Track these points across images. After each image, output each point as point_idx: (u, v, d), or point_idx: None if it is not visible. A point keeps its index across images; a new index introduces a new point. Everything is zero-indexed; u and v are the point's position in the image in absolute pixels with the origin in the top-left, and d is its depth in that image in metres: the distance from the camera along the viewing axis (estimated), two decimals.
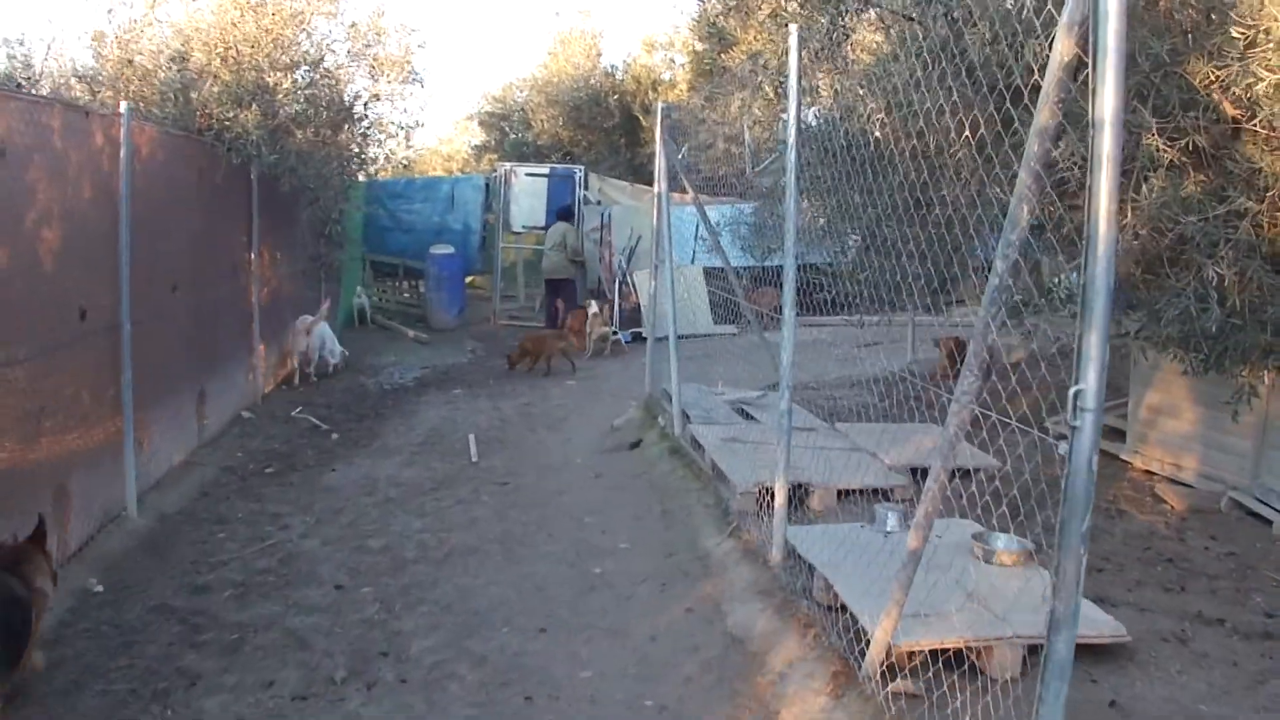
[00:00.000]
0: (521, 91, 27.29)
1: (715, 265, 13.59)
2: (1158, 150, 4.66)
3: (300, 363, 11.92)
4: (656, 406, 9.19)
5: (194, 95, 8.38)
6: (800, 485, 6.31)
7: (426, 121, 65.33)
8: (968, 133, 4.33)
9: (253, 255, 10.18)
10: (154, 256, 7.43)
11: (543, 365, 12.91)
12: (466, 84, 60.33)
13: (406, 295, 18.98)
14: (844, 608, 4.43)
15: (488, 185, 19.15)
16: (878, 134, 4.92)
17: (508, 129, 27.83)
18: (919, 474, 6.66)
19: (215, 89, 8.34)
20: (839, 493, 6.43)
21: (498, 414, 10.48)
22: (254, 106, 8.37)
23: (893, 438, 7.27)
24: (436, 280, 17.07)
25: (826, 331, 13.13)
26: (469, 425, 9.93)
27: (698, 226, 14.06)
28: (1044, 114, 2.61)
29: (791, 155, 4.94)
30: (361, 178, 16.09)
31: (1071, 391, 2.43)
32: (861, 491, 6.35)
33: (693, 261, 15.40)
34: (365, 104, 10.48)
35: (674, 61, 23.28)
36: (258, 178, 9.86)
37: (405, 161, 14.69)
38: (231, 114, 8.26)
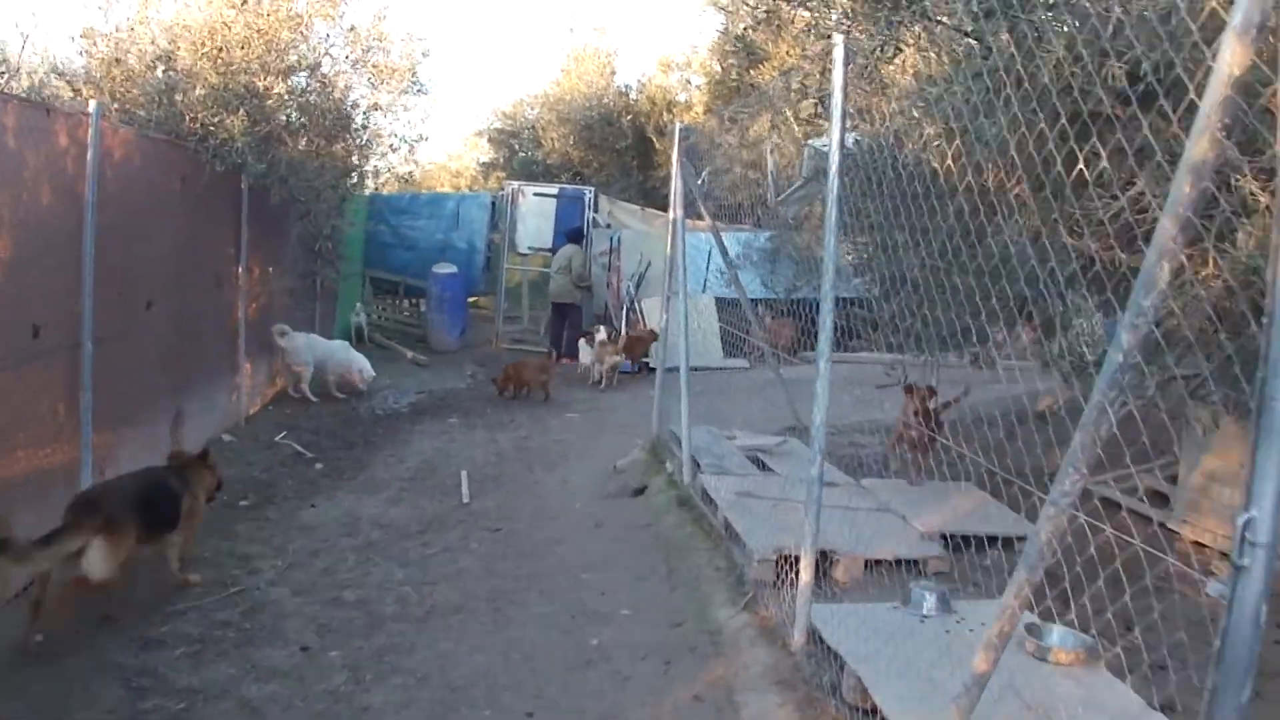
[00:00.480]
0: (532, 109, 26.80)
1: (726, 295, 13.01)
2: (1251, 195, 4.07)
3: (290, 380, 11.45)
4: (664, 449, 8.55)
5: (179, 98, 7.77)
6: (823, 553, 5.69)
7: (434, 136, 64.81)
8: (1019, 168, 3.75)
9: (240, 269, 9.60)
10: (127, 268, 6.86)
11: (539, 393, 12.39)
12: (477, 99, 59.66)
13: (407, 314, 18.32)
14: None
15: (494, 204, 18.55)
16: (934, 164, 4.31)
17: (517, 146, 27.32)
18: (953, 542, 6.05)
19: (201, 92, 7.74)
20: (866, 562, 5.80)
21: (494, 447, 9.86)
22: (241, 111, 7.77)
23: (925, 498, 6.65)
24: (438, 300, 16.45)
25: (844, 369, 12.53)
26: (463, 459, 9.30)
27: (710, 254, 13.48)
28: (1201, 145, 2.00)
29: (833, 185, 4.34)
30: (367, 191, 15.53)
31: (1239, 521, 1.81)
32: (893, 562, 5.73)
33: (704, 291, 14.81)
34: (365, 114, 9.86)
35: (690, 83, 22.76)
36: (249, 188, 9.30)
37: (407, 175, 14.04)
38: (217, 119, 7.66)
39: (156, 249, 7.43)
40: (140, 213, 7.06)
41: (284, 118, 8.40)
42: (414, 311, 18.27)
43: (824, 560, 5.70)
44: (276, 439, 9.62)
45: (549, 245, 17.19)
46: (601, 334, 13.65)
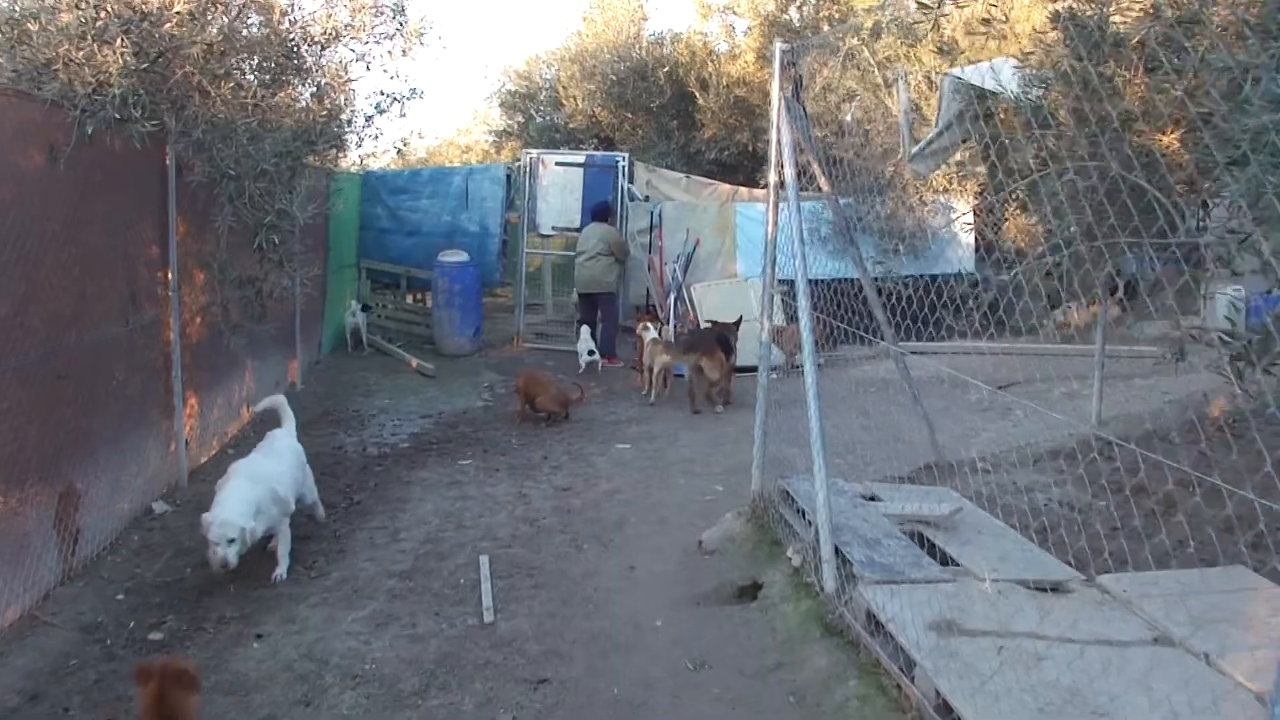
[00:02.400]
0: (550, 66, 23.79)
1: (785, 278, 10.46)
2: None
3: None
4: (773, 518, 5.90)
5: (34, 29, 5.12)
6: None
7: (439, 109, 60.38)
8: None
9: (171, 274, 7.01)
10: None
11: (559, 414, 9.89)
12: (485, 61, 54.86)
13: (410, 312, 15.52)
14: None
15: (509, 177, 15.67)
16: None
17: (534, 110, 24.39)
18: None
19: (67, 17, 5.11)
20: None
21: (524, 507, 7.19)
22: (121, 41, 5.09)
23: (1197, 605, 4.05)
24: (447, 294, 13.73)
25: (943, 361, 9.90)
26: (481, 530, 6.67)
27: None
28: None
29: None
30: (351, 167, 12.85)
31: None
32: None
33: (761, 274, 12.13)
34: (321, 48, 7.02)
35: (734, 28, 19.81)
36: (177, 162, 6.70)
37: (401, 144, 11.24)
38: (83, 53, 4.98)
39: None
40: None
41: (198, 53, 5.67)
42: (419, 308, 15.53)
43: None
44: None
45: (576, 224, 14.41)
46: (652, 332, 11.02)
